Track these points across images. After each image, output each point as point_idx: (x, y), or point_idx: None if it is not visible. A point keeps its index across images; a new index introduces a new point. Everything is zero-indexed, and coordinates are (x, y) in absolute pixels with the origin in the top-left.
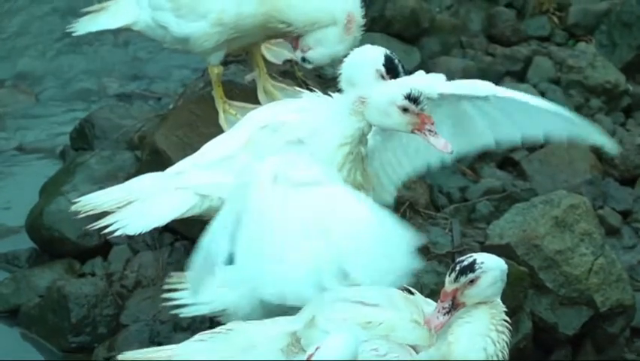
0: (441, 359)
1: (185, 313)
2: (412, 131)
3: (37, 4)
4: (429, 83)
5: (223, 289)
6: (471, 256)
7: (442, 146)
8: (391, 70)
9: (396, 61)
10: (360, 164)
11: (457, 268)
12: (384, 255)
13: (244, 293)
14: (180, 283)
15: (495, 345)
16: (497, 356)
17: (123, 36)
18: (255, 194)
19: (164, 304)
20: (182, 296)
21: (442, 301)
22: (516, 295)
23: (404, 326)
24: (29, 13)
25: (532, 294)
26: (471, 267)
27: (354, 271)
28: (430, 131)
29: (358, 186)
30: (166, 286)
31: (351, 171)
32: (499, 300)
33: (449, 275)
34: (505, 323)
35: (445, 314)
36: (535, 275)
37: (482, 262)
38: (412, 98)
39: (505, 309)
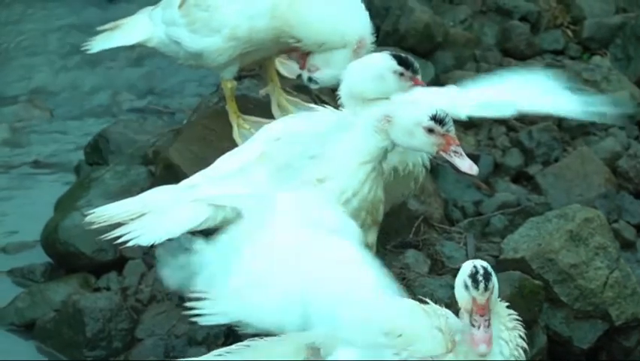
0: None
1: (203, 321)
2: (437, 152)
3: (52, 20)
4: (455, 103)
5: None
6: (475, 266)
7: (467, 168)
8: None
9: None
10: (380, 180)
11: (481, 278)
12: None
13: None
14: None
15: (508, 344)
16: (514, 354)
17: (137, 52)
18: (269, 225)
19: (184, 313)
20: (202, 306)
21: (482, 315)
22: (531, 309)
23: (423, 337)
24: (44, 30)
25: (547, 308)
26: (489, 272)
27: (341, 326)
28: (455, 152)
29: (378, 203)
30: (192, 295)
31: (372, 187)
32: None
33: (477, 288)
34: (513, 317)
35: (489, 326)
36: (550, 289)
37: (487, 266)
38: (438, 120)
39: (507, 303)
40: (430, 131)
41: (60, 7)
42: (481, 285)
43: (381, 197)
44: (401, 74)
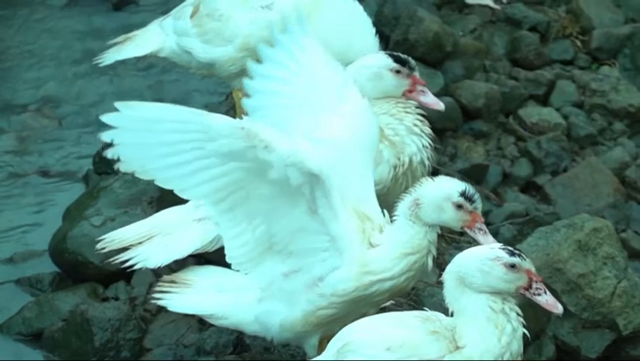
0: (464, 358)
1: (172, 310)
2: (462, 228)
3: (61, 29)
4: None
5: (214, 294)
6: (500, 246)
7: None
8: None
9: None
10: (420, 272)
11: (518, 251)
12: None
13: (235, 298)
14: (171, 286)
15: (497, 317)
16: (506, 316)
17: (146, 60)
18: None
19: (152, 301)
20: (170, 298)
21: (540, 280)
22: (539, 318)
23: (423, 341)
24: (52, 39)
25: (555, 318)
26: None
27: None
28: (479, 229)
29: (405, 289)
30: (158, 288)
31: (409, 279)
32: None
33: (525, 259)
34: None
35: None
36: (558, 299)
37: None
38: (467, 197)
39: None
40: (459, 207)
41: (68, 16)
42: (522, 256)
43: (410, 287)
44: (397, 72)
